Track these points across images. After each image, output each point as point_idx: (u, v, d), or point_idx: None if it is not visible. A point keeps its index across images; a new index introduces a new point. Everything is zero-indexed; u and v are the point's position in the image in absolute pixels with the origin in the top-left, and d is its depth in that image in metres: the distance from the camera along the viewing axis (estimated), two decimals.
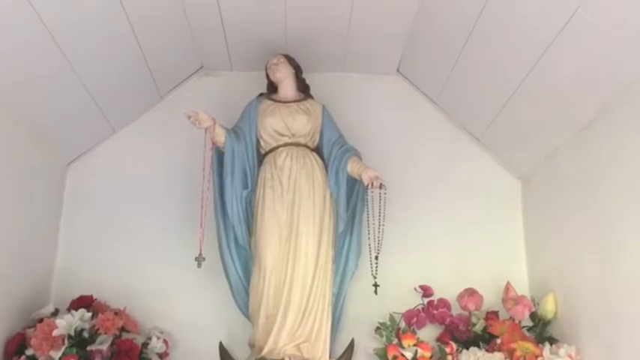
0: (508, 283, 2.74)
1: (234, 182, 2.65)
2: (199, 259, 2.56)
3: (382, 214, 2.59)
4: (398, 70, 3.25)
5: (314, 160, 2.75)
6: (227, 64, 3.19)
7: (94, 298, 2.71)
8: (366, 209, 2.65)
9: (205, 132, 2.66)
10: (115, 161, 3.05)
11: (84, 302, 2.66)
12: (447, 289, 2.76)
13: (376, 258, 2.59)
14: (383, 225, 2.59)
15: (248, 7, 2.80)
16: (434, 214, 2.99)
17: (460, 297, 2.72)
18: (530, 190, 3.01)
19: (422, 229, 2.94)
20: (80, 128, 2.97)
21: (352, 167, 2.71)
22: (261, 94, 2.93)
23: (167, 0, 2.69)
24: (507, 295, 2.70)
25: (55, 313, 2.63)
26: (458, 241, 2.94)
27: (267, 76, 2.94)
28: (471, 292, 2.71)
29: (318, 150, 2.81)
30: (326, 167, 2.74)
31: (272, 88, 2.93)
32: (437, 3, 2.72)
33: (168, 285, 2.83)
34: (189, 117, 2.60)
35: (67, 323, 2.46)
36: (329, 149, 2.77)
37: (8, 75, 2.41)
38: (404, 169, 3.03)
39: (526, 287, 2.87)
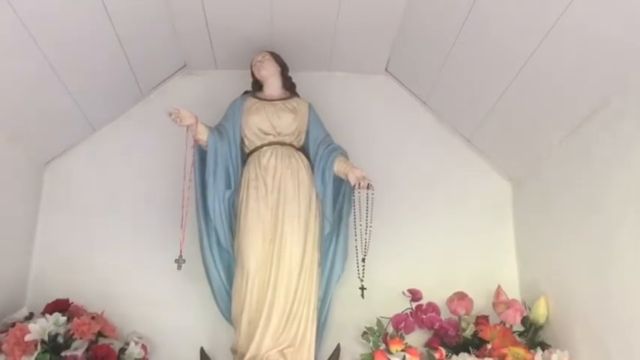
0: (499, 286, 2.69)
1: (216, 182, 2.58)
2: (179, 262, 2.48)
3: (369, 216, 2.51)
4: (386, 70, 3.20)
5: (299, 159, 2.68)
6: (211, 63, 3.13)
7: (71, 302, 2.62)
8: (352, 210, 2.58)
9: (187, 130, 2.60)
10: (94, 161, 2.99)
11: (59, 306, 2.57)
12: (436, 293, 2.71)
13: (363, 260, 2.52)
14: (370, 227, 2.52)
15: (233, 3, 2.75)
16: (423, 216, 2.94)
17: (449, 301, 2.66)
18: (521, 192, 2.97)
19: (410, 231, 2.89)
20: (59, 127, 2.89)
21: (339, 167, 2.64)
22: (246, 92, 2.88)
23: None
24: (498, 299, 2.65)
25: (30, 317, 2.53)
26: (447, 243, 2.89)
27: (252, 74, 2.88)
28: (460, 296, 2.66)
29: (303, 149, 2.75)
30: (312, 167, 2.69)
31: (257, 86, 2.87)
32: (425, 2, 2.68)
33: (148, 288, 2.75)
34: (171, 114, 2.53)
35: (40, 328, 2.36)
36: (315, 149, 2.71)
37: None
38: (392, 169, 2.98)
39: (517, 291, 2.82)
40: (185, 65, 3.16)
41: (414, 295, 2.73)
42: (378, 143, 3.05)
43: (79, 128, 2.99)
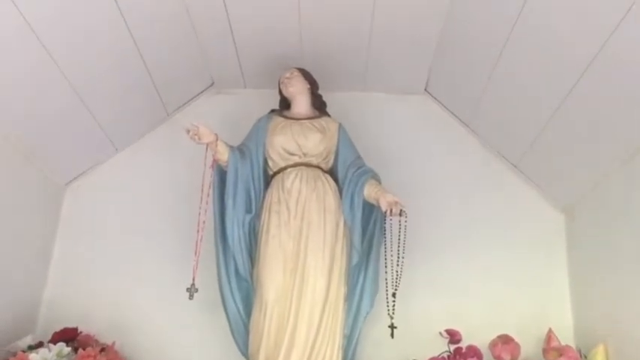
0: (550, 330, 2.46)
1: (236, 205, 2.42)
2: (191, 290, 2.29)
3: (402, 246, 2.28)
4: (425, 90, 3.03)
5: (326, 182, 2.49)
6: (240, 81, 3.03)
7: (80, 331, 2.48)
8: (384, 240, 2.34)
9: (206, 148, 2.45)
10: (116, 182, 2.89)
11: (67, 335, 2.42)
12: (477, 335, 2.47)
13: (393, 295, 2.28)
14: (403, 258, 2.28)
15: (261, 21, 2.66)
16: (464, 248, 2.71)
17: (493, 345, 2.42)
18: (575, 224, 2.71)
19: (449, 264, 2.68)
20: (80, 146, 2.82)
21: (369, 191, 2.43)
22: (272, 111, 2.73)
23: (174, 15, 2.58)
24: (549, 344, 2.41)
25: (40, 345, 2.37)
26: (491, 279, 2.66)
27: (280, 92, 2.73)
28: (505, 340, 2.42)
29: (331, 172, 2.57)
30: (340, 191, 2.50)
31: (285, 104, 2.73)
32: (465, 18, 2.52)
33: (161, 318, 2.61)
34: (189, 131, 2.38)
35: (41, 358, 2.19)
36: (344, 171, 2.52)
37: (1, 92, 2.29)
38: (430, 196, 2.78)
39: (571, 336, 2.57)
40: (213, 84, 3.07)
41: (453, 336, 2.49)
42: (415, 167, 2.85)
43: (101, 148, 2.90)
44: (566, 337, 2.49)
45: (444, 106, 2.99)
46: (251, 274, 2.43)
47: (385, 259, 2.30)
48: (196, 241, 2.34)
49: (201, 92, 3.05)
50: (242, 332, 2.41)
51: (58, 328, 2.46)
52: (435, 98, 3.00)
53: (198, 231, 2.35)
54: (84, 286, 2.71)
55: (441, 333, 2.49)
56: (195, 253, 2.33)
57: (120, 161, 2.94)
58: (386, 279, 2.29)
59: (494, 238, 2.73)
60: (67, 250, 2.79)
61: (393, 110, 2.97)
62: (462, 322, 2.51)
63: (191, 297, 2.29)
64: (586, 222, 2.63)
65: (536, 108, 2.54)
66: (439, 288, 2.63)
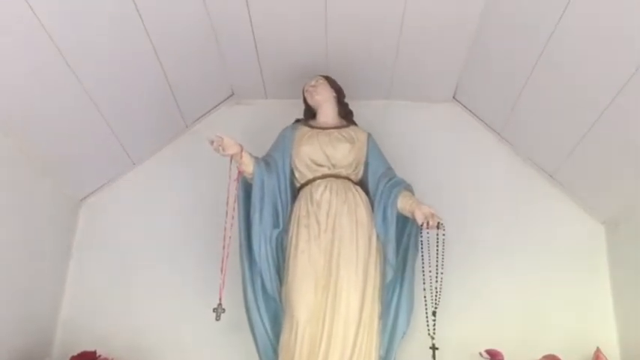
0: (597, 349, 2.35)
1: (262, 220, 2.31)
2: (218, 311, 2.16)
3: (440, 261, 2.16)
4: (454, 97, 2.93)
5: (357, 194, 2.38)
6: (261, 92, 2.94)
7: (98, 354, 2.35)
8: (420, 254, 2.21)
9: (231, 160, 2.34)
10: (133, 197, 2.81)
11: (85, 359, 2.28)
12: (519, 355, 2.35)
13: (433, 314, 2.15)
14: (441, 274, 2.15)
15: (285, 28, 2.59)
16: (502, 263, 2.60)
17: None
18: (618, 237, 2.60)
19: (487, 281, 2.55)
20: (96, 160, 2.74)
21: (403, 203, 2.31)
22: (297, 120, 2.62)
23: (195, 22, 2.52)
24: None
25: None
26: (532, 296, 2.55)
27: (305, 100, 2.63)
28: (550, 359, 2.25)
29: (362, 183, 2.46)
30: (371, 203, 2.39)
31: (310, 113, 2.63)
32: (500, 26, 2.45)
33: (183, 340, 2.51)
34: (212, 142, 2.27)
35: None
36: (375, 183, 2.41)
37: (17, 102, 2.23)
38: (464, 207, 2.66)
39: (617, 355, 2.45)
40: (233, 94, 2.99)
41: (494, 356, 2.35)
42: (446, 178, 2.75)
43: (118, 162, 2.81)
44: (612, 355, 2.39)
45: (474, 114, 2.89)
46: (279, 293, 2.31)
47: (423, 274, 2.17)
48: (222, 259, 2.21)
49: (221, 103, 2.97)
50: (270, 355, 2.28)
51: (76, 351, 2.36)
52: (465, 106, 2.91)
53: (223, 247, 2.22)
54: (102, 306, 2.61)
55: (481, 353, 2.35)
56: (222, 271, 2.20)
57: (138, 175, 2.85)
58: (425, 296, 2.16)
59: (532, 252, 2.62)
60: (84, 269, 2.69)
61: (420, 118, 2.88)
62: (502, 342, 2.36)
63: (218, 318, 2.16)
64: (628, 233, 2.51)
65: (573, 118, 2.46)
66: (477, 305, 2.51)
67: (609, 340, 2.45)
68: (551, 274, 2.57)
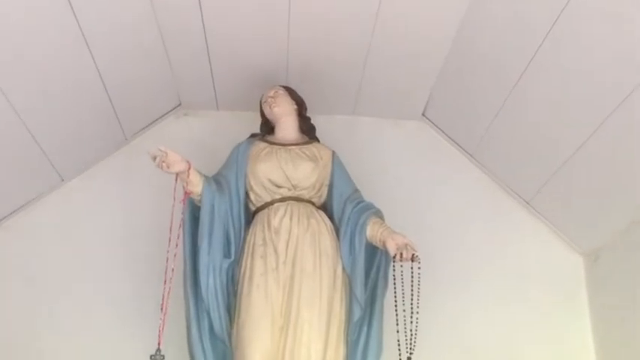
0: None
1: (212, 248, 2.06)
2: (156, 358, 1.86)
3: (416, 299, 1.93)
4: (423, 114, 2.77)
5: (321, 221, 2.15)
6: (212, 102, 2.73)
7: None
8: (393, 289, 1.97)
9: (176, 179, 2.07)
10: (59, 220, 2.53)
11: None
12: None
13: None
14: (417, 313, 1.91)
15: (242, 34, 2.40)
16: (472, 296, 2.45)
17: None
18: (598, 270, 2.49)
19: (458, 316, 2.41)
20: (17, 175, 2.42)
21: (373, 231, 2.09)
22: (253, 135, 2.39)
23: (138, 21, 2.27)
24: None
25: None
26: (506, 331, 2.41)
27: (262, 113, 2.40)
28: None
29: (324, 208, 2.25)
30: (336, 230, 2.17)
31: (267, 127, 2.41)
32: (478, 43, 2.34)
33: None
34: (155, 157, 2.00)
35: None
36: (341, 207, 2.19)
37: None
38: (428, 235, 2.39)
39: None
40: (180, 104, 2.75)
41: None
42: (411, 201, 2.58)
43: (43, 178, 2.52)
44: None
45: (445, 133, 2.74)
46: (229, 334, 2.05)
47: (396, 314, 1.92)
48: (163, 295, 1.92)
49: (167, 113, 2.73)
50: None
51: None
52: (435, 124, 2.75)
53: (165, 281, 1.93)
54: (18, 346, 2.32)
55: None
56: (162, 309, 1.89)
57: (66, 193, 2.57)
58: (398, 340, 1.90)
59: (506, 285, 2.48)
60: (0, 299, 2.39)
61: (387, 136, 2.73)
62: None
63: None
64: (610, 268, 2.42)
65: (552, 144, 2.37)
66: (448, 343, 2.34)
67: None
68: (526, 308, 2.44)
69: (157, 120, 2.70)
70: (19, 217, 2.50)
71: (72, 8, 2.01)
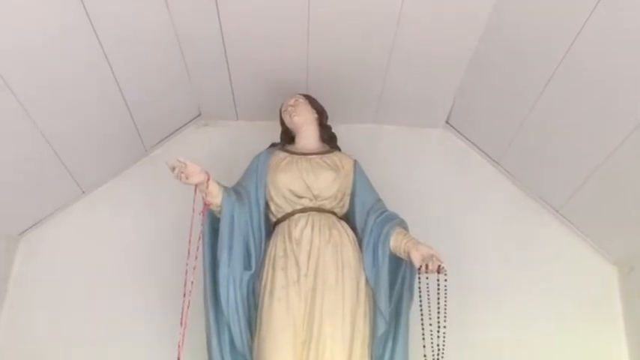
0: None
1: (232, 261, 2.00)
2: None
3: (442, 312, 1.85)
4: (447, 122, 2.69)
5: (343, 231, 2.08)
6: (232, 112, 2.69)
7: None
8: (419, 302, 1.89)
9: (195, 190, 2.02)
10: (80, 232, 2.51)
11: None
12: None
13: None
14: (444, 327, 1.83)
15: (261, 43, 2.36)
16: (501, 310, 2.34)
17: None
18: (633, 281, 2.37)
19: (485, 332, 2.30)
20: (38, 188, 2.41)
21: (397, 242, 2.01)
22: (273, 145, 2.34)
23: (158, 33, 2.24)
24: None
25: None
26: (539, 348, 2.30)
27: (282, 122, 2.35)
28: None
29: (347, 218, 2.18)
30: (359, 241, 2.10)
31: (288, 137, 2.35)
32: (503, 48, 2.25)
33: None
34: (174, 168, 1.96)
35: None
36: (363, 217, 2.12)
37: None
38: (458, 245, 2.36)
39: None
40: (199, 115, 2.72)
41: None
42: (436, 211, 2.50)
43: (64, 191, 2.51)
44: None
45: (470, 141, 2.66)
46: (250, 348, 1.99)
47: (422, 328, 1.84)
48: (182, 308, 1.86)
49: (186, 124, 2.70)
50: None
51: None
52: (459, 132, 2.67)
53: (184, 294, 1.87)
54: (39, 358, 2.29)
55: None
56: (182, 324, 1.84)
57: (86, 206, 2.55)
58: (424, 355, 1.82)
59: (536, 298, 2.38)
60: (18, 317, 2.37)
61: (409, 145, 2.66)
62: None
63: None
64: None
65: (582, 149, 2.26)
66: (477, 355, 2.24)
67: None
68: (558, 321, 2.34)
69: (176, 131, 2.67)
70: (40, 230, 2.50)
71: (90, 21, 1.99)
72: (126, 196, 2.54)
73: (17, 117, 2.07)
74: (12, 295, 2.40)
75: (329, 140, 2.32)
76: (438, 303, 1.85)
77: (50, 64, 2.02)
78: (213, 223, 2.08)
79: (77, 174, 2.46)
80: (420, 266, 1.90)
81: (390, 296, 2.01)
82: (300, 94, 2.34)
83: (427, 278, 1.89)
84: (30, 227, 2.49)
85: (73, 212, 2.53)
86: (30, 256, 2.46)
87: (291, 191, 2.11)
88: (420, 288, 1.89)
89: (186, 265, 1.93)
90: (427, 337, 1.84)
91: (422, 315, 1.86)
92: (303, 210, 2.09)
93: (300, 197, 2.10)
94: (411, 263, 1.97)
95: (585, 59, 2.00)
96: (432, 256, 1.91)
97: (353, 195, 2.18)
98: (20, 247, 2.47)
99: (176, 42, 2.30)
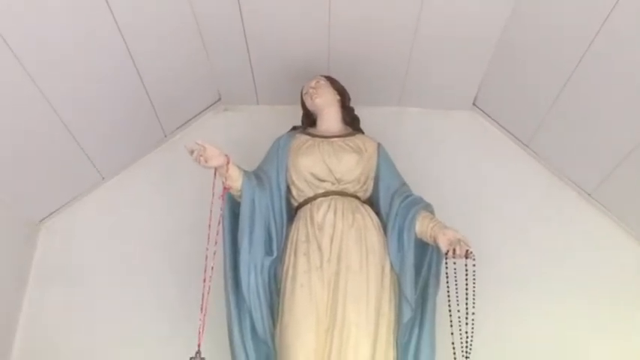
0: None
1: (253, 246, 1.97)
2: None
3: (471, 299, 1.79)
4: (474, 104, 2.62)
5: (367, 215, 2.03)
6: (252, 96, 2.66)
7: None
8: (446, 288, 1.83)
9: (215, 174, 1.98)
10: (100, 218, 2.52)
11: None
12: None
13: None
14: (473, 314, 1.77)
15: (281, 26, 2.33)
16: (533, 296, 2.28)
17: None
18: None
19: (518, 318, 2.25)
20: (58, 175, 2.42)
21: (423, 227, 1.96)
22: (294, 128, 2.29)
23: (176, 17, 2.22)
24: None
25: None
26: (571, 333, 2.24)
27: (303, 104, 2.29)
28: None
29: (371, 202, 2.13)
30: (383, 226, 2.05)
31: (309, 120, 2.30)
32: (532, 28, 2.19)
33: None
34: (193, 152, 1.92)
35: None
36: (388, 201, 2.06)
37: None
38: (486, 230, 2.29)
39: None
40: (220, 99, 2.69)
41: None
42: (463, 194, 2.45)
43: (84, 177, 2.51)
44: None
45: (498, 123, 2.59)
46: (272, 335, 1.95)
47: (450, 314, 1.78)
48: (203, 294, 1.83)
49: (206, 109, 2.67)
50: None
51: None
52: (487, 114, 2.60)
53: (204, 280, 1.84)
54: (60, 346, 2.30)
55: None
56: (202, 310, 1.80)
57: (107, 192, 2.54)
58: (453, 343, 1.77)
59: (569, 284, 2.30)
60: (41, 301, 2.38)
61: (436, 127, 2.60)
62: None
63: None
64: None
65: (615, 135, 2.21)
66: (508, 347, 2.18)
67: None
68: (589, 304, 2.27)
69: (196, 116, 2.65)
70: (60, 217, 2.51)
71: (109, 6, 1.97)
72: (146, 181, 2.53)
73: (37, 105, 2.08)
74: (33, 281, 2.40)
75: (351, 122, 2.27)
76: (466, 288, 1.79)
77: (70, 52, 2.01)
78: (234, 208, 2.04)
79: (97, 160, 2.46)
80: (447, 251, 1.84)
81: (416, 282, 1.97)
82: (322, 76, 2.29)
83: (454, 263, 1.83)
84: (51, 214, 2.49)
85: (94, 198, 2.53)
86: (51, 243, 2.46)
87: (312, 175, 2.06)
88: (447, 273, 1.82)
89: (207, 250, 1.89)
90: (455, 323, 1.79)
91: (449, 301, 1.80)
92: (326, 194, 2.04)
93: (323, 181, 2.05)
94: (437, 248, 1.91)
95: (619, 38, 1.92)
96: (459, 240, 1.85)
97: (377, 179, 2.12)
98: (41, 234, 2.47)
99: (196, 27, 2.27)
